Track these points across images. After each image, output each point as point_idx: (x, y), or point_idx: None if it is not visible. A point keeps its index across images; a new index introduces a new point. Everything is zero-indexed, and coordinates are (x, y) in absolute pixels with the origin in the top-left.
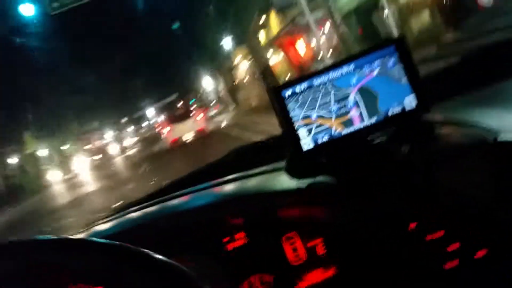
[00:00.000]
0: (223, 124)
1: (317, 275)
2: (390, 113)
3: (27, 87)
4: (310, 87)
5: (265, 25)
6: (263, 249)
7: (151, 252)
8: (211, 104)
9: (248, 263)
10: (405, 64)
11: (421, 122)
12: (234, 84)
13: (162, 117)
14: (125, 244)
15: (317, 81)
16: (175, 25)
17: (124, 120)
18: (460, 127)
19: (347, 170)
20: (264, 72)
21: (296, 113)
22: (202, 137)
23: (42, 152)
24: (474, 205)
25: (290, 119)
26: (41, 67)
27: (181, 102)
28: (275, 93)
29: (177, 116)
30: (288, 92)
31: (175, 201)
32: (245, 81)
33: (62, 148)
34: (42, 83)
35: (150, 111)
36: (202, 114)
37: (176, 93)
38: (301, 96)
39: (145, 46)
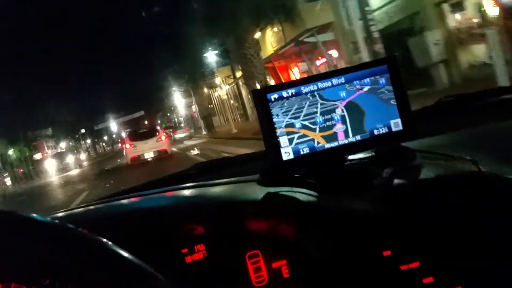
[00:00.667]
0: (194, 152)
1: None
2: (376, 133)
3: None
4: (297, 94)
5: (258, 43)
6: (224, 265)
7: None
8: (181, 125)
9: (207, 279)
10: (395, 86)
11: (405, 148)
12: (210, 106)
13: (125, 133)
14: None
15: (305, 89)
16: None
17: (83, 131)
18: (444, 158)
19: (324, 187)
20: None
21: (279, 119)
22: (163, 157)
23: None
24: (453, 239)
25: (273, 124)
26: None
27: (146, 121)
28: (260, 95)
29: (140, 134)
30: (274, 96)
31: (126, 201)
32: (224, 105)
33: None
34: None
35: (113, 125)
36: (165, 135)
37: (142, 110)
38: (286, 102)
39: (115, 53)
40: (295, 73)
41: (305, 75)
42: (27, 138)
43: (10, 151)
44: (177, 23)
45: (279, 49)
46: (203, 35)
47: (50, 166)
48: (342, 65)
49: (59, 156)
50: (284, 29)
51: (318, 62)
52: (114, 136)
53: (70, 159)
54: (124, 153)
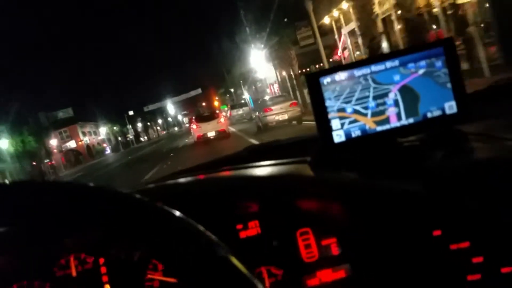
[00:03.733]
0: None
1: (328, 275)
2: (429, 116)
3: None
4: (350, 77)
5: None
6: (275, 241)
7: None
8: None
9: (259, 254)
10: (451, 68)
11: (457, 131)
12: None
13: (181, 116)
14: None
15: (358, 72)
16: None
17: (130, 113)
18: (496, 141)
19: (375, 169)
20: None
21: (331, 103)
22: (222, 136)
23: None
24: (504, 221)
25: (325, 108)
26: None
27: (203, 103)
28: (312, 79)
29: (204, 117)
30: (327, 79)
31: (182, 180)
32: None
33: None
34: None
35: (167, 106)
36: (224, 118)
37: (199, 88)
38: (339, 86)
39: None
40: None
41: None
42: (57, 121)
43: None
44: None
45: None
46: None
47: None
48: None
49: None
50: None
51: None
52: (169, 119)
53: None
54: (192, 132)
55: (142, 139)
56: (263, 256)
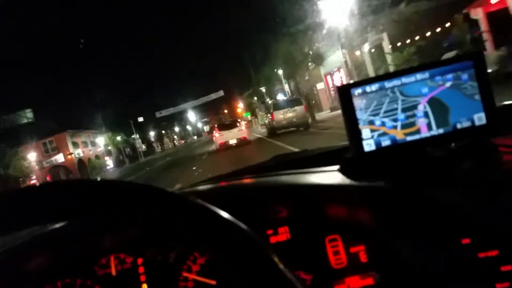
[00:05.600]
0: None
1: (356, 282)
2: (458, 127)
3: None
4: (379, 89)
5: None
6: (304, 247)
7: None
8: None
9: (288, 259)
10: (480, 81)
11: (486, 142)
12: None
13: (201, 123)
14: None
15: (388, 84)
16: None
17: (140, 119)
18: None
19: (404, 178)
20: None
21: (361, 113)
22: (243, 143)
23: None
24: None
25: (356, 118)
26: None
27: (225, 110)
28: (344, 90)
29: (226, 125)
30: (358, 91)
31: (213, 186)
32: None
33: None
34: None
35: (184, 112)
36: (244, 125)
37: (221, 90)
38: (366, 99)
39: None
40: None
41: None
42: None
43: None
44: None
45: None
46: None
47: None
48: None
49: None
50: None
51: None
52: (188, 127)
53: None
54: (214, 140)
55: (157, 149)
56: (292, 261)
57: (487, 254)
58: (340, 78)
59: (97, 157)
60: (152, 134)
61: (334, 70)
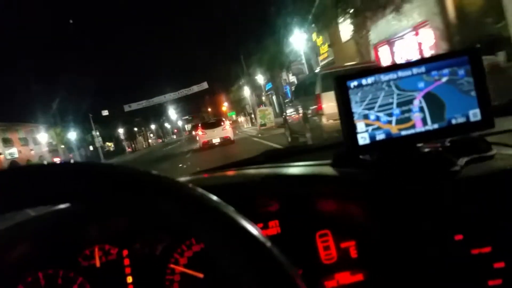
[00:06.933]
0: None
1: (346, 277)
2: (453, 122)
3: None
4: (375, 82)
5: None
6: (295, 242)
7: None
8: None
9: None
10: (476, 77)
11: (480, 139)
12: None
13: (181, 121)
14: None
15: (384, 77)
16: None
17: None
18: None
19: (398, 172)
20: None
21: (357, 106)
22: (226, 142)
23: None
24: None
25: (351, 110)
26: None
27: (209, 108)
28: (340, 82)
29: (209, 124)
30: (354, 83)
31: (201, 177)
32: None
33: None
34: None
35: (164, 105)
36: (229, 125)
37: (204, 82)
38: (361, 92)
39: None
40: None
41: None
42: None
43: None
44: None
45: None
46: None
47: None
48: None
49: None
50: None
51: None
52: (167, 124)
53: None
54: (197, 138)
55: (127, 149)
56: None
57: (480, 251)
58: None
59: (40, 158)
60: (121, 131)
61: (402, 33)
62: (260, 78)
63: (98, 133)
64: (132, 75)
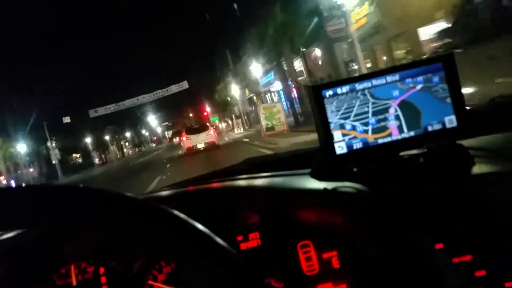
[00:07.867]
0: None
1: None
2: (430, 129)
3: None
4: (350, 91)
5: None
6: (276, 254)
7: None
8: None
9: (259, 266)
10: (450, 84)
11: (457, 145)
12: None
13: (160, 127)
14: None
15: (359, 86)
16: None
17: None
18: (495, 156)
19: (376, 181)
20: None
21: (333, 115)
22: (212, 147)
23: None
24: (506, 234)
25: (327, 120)
26: None
27: (190, 113)
28: (315, 91)
29: (194, 129)
30: (329, 92)
31: (181, 190)
32: None
33: None
34: None
35: (139, 109)
36: (213, 130)
37: (184, 81)
38: (336, 101)
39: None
40: None
41: None
42: None
43: None
44: None
45: None
46: None
47: None
48: None
49: None
50: None
51: None
52: (145, 132)
53: None
54: (182, 144)
55: (98, 161)
56: (263, 269)
57: (461, 259)
58: None
59: None
60: (88, 141)
61: None
62: (256, 68)
63: (54, 145)
64: (101, 75)
